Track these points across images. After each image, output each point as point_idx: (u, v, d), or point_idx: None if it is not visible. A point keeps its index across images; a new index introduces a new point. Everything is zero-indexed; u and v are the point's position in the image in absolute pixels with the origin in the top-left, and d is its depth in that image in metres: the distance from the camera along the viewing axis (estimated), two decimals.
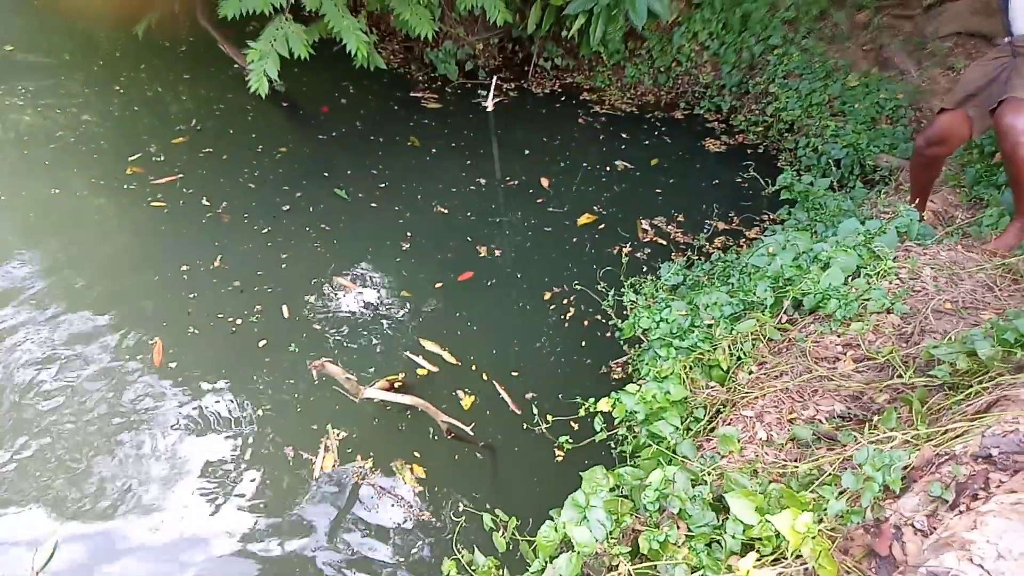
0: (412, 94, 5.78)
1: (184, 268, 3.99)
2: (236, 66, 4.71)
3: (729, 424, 2.26)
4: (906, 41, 5.44)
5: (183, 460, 3.04)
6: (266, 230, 4.33)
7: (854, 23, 5.62)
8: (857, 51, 5.43)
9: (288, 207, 4.54)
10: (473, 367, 3.54)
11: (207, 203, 4.45)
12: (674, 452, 1.95)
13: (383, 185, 4.81)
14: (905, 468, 1.49)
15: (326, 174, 4.88)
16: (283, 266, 4.08)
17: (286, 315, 3.73)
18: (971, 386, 1.79)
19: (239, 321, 3.67)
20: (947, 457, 1.49)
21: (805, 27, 5.56)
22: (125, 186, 4.53)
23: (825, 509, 1.40)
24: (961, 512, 1.28)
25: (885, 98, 4.97)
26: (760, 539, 1.43)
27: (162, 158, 4.80)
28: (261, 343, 3.57)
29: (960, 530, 1.19)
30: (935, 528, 1.33)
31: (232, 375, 3.41)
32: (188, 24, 5.98)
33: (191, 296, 3.81)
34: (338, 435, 3.21)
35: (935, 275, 2.65)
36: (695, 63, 5.59)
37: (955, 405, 1.72)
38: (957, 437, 1.55)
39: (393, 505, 2.93)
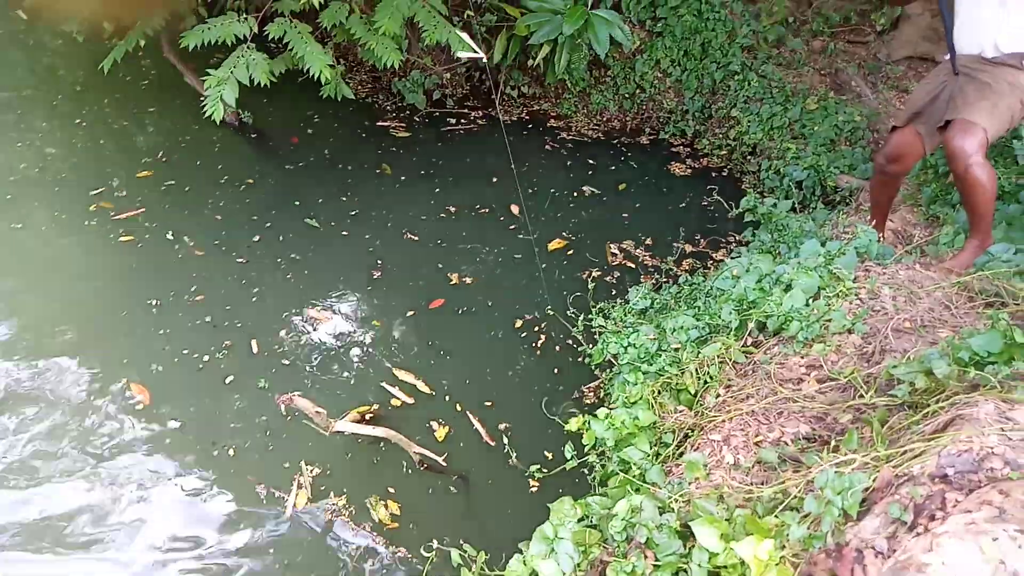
0: (380, 123, 5.81)
1: (152, 303, 3.93)
2: (202, 98, 4.69)
3: (697, 449, 2.27)
4: (861, 65, 5.61)
5: (153, 501, 2.97)
6: (236, 262, 4.29)
7: (811, 49, 5.79)
8: (814, 76, 5.58)
9: (258, 237, 4.51)
10: (447, 397, 3.52)
11: (171, 237, 4.41)
12: (643, 479, 1.96)
13: (353, 213, 4.80)
14: (866, 490, 1.51)
15: (296, 203, 4.86)
16: (253, 299, 4.04)
17: (255, 350, 3.69)
18: (928, 405, 1.83)
19: (206, 358, 3.62)
20: (906, 478, 1.52)
21: (763, 53, 5.70)
22: (87, 222, 4.47)
23: (787, 535, 1.41)
24: (919, 534, 1.30)
25: (843, 120, 5.11)
26: (726, 567, 1.44)
27: (124, 193, 4.75)
28: (229, 379, 3.52)
29: (917, 552, 1.21)
30: (895, 550, 1.34)
31: (200, 413, 3.36)
32: (154, 58, 5.95)
33: (160, 332, 3.76)
34: (311, 471, 3.17)
35: (894, 295, 2.71)
36: (658, 89, 5.70)
37: (914, 425, 1.76)
38: (916, 457, 1.57)
39: (368, 542, 2.88)
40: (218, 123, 4.64)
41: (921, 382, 1.97)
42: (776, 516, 1.52)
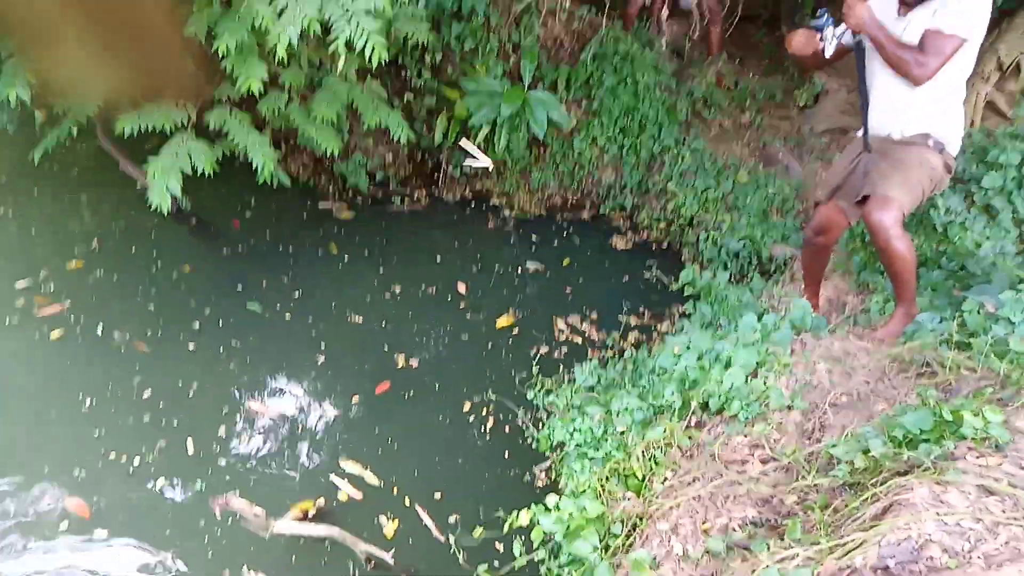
0: (323, 205, 5.79)
1: (85, 404, 3.73)
2: (139, 186, 4.60)
3: (646, 539, 2.23)
4: (786, 139, 5.89)
5: None
6: (173, 354, 4.13)
7: (738, 123, 6.06)
8: (744, 149, 5.83)
9: (197, 325, 4.38)
10: (395, 489, 3.41)
11: (100, 332, 4.23)
12: None
13: (296, 295, 4.73)
14: None
15: (239, 288, 4.76)
16: (191, 395, 3.87)
17: (191, 451, 3.52)
18: (868, 487, 1.83)
19: (136, 460, 3.43)
20: (849, 570, 1.50)
21: (696, 129, 5.95)
22: (9, 320, 4.27)
23: None
24: None
25: (773, 192, 5.32)
26: None
27: (52, 286, 4.57)
28: (160, 482, 3.34)
29: None
30: None
31: (133, 522, 3.15)
32: (87, 146, 5.86)
33: (95, 435, 3.56)
34: None
35: (830, 368, 2.77)
36: (597, 165, 5.85)
37: (854, 510, 1.76)
38: (857, 547, 1.56)
39: None
40: (166, 214, 4.54)
41: (860, 461, 1.99)
42: None
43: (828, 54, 3.03)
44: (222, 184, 5.70)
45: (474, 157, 3.74)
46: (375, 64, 3.90)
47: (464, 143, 3.84)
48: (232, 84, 4.44)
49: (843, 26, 2.93)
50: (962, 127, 3.10)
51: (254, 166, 4.70)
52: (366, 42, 3.79)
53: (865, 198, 2.99)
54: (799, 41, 3.01)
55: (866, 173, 3.08)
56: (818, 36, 2.95)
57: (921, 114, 2.98)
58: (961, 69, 2.90)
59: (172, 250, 5.12)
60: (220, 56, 4.14)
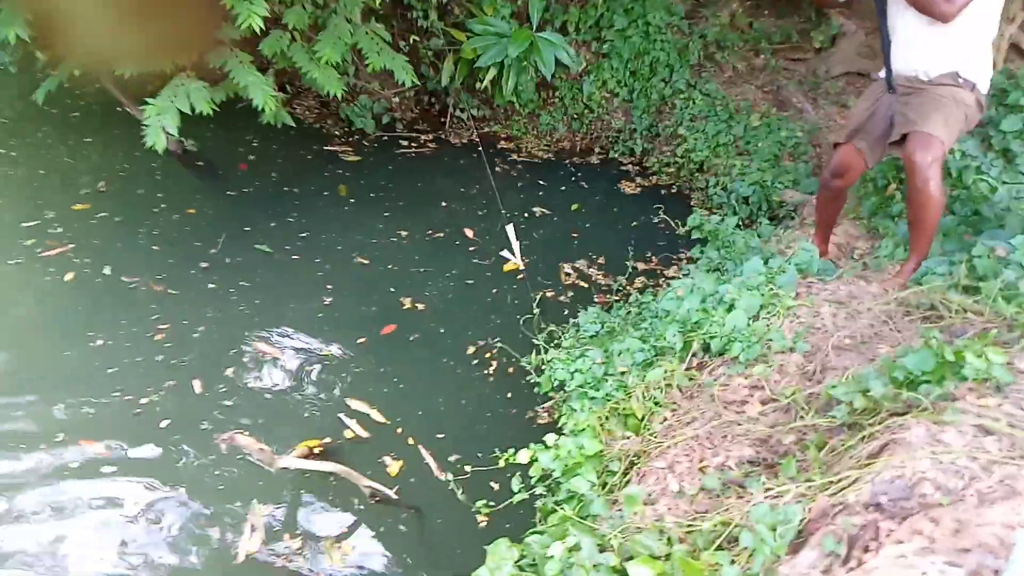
0: (329, 148, 5.74)
1: (96, 344, 3.77)
2: (142, 127, 4.57)
3: (643, 476, 2.25)
4: (801, 82, 5.73)
5: (96, 557, 2.82)
6: (182, 294, 4.15)
7: (752, 66, 5.90)
8: (757, 93, 5.69)
9: (206, 265, 4.39)
10: (399, 430, 3.45)
11: (109, 272, 4.25)
12: (583, 516, 1.92)
13: (304, 235, 4.73)
14: (802, 521, 1.49)
15: (246, 229, 4.76)
16: (199, 334, 3.90)
17: (198, 390, 3.56)
18: (865, 426, 1.83)
19: (144, 400, 3.47)
20: (842, 507, 1.51)
21: (708, 72, 5.80)
22: (13, 261, 4.28)
23: None
24: (852, 568, 1.29)
25: (786, 136, 5.20)
26: None
27: (59, 227, 4.58)
28: (167, 421, 3.39)
29: None
30: None
31: (141, 459, 3.22)
32: (92, 89, 5.79)
33: (109, 371, 3.60)
34: (264, 512, 3.05)
35: (835, 311, 2.74)
36: (606, 109, 5.75)
37: (851, 449, 1.76)
38: (851, 485, 1.57)
39: None
40: (161, 153, 4.52)
41: (859, 402, 1.98)
42: (712, 554, 1.49)
43: None
44: (229, 127, 5.66)
45: (511, 251, 3.63)
46: (378, 2, 3.80)
47: (510, 239, 3.64)
48: (234, 24, 4.35)
49: None
50: (991, 65, 2.98)
51: (256, 107, 4.65)
52: None
53: (903, 138, 2.89)
54: None
55: (892, 114, 2.98)
56: None
57: (949, 54, 2.85)
58: (991, 3, 2.78)
59: (179, 192, 5.11)
60: None
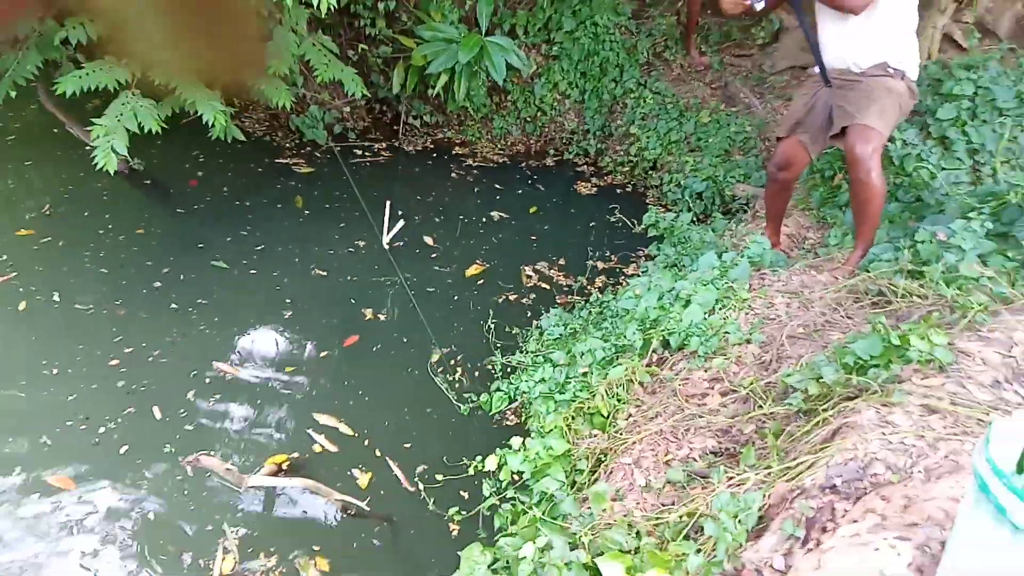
0: (280, 160, 5.67)
1: (52, 372, 3.66)
2: (87, 147, 4.45)
3: (611, 473, 2.28)
4: (747, 77, 5.87)
5: None
6: (138, 317, 4.06)
7: (699, 64, 6.01)
8: (705, 90, 5.80)
9: (159, 286, 4.30)
10: (366, 442, 3.42)
11: (58, 299, 4.13)
12: (553, 516, 1.94)
13: (259, 248, 4.67)
14: (762, 508, 1.54)
15: (200, 245, 4.68)
16: (157, 357, 3.82)
17: (158, 416, 3.48)
18: (819, 412, 1.89)
19: (101, 429, 3.39)
20: (799, 491, 1.56)
21: (657, 71, 5.89)
22: None
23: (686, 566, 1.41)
24: (811, 549, 1.33)
25: (735, 131, 5.32)
26: None
27: (2, 256, 4.43)
28: (129, 447, 3.31)
29: (807, 571, 1.23)
30: (791, 567, 1.37)
31: (106, 486, 3.13)
32: (32, 110, 5.63)
33: (68, 399, 3.50)
34: (236, 532, 3.00)
35: (788, 302, 2.81)
36: (559, 111, 5.80)
37: (806, 434, 1.81)
38: (808, 469, 1.62)
39: None
40: (113, 174, 4.41)
41: (813, 389, 2.04)
42: (679, 544, 1.53)
43: (759, 8, 3.00)
44: (176, 143, 5.55)
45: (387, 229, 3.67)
46: (323, 12, 3.78)
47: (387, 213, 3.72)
48: None
49: None
50: (917, 52, 3.10)
51: (206, 122, 4.57)
52: None
53: (843, 131, 2.99)
54: (727, 1, 2.99)
55: (831, 106, 3.08)
56: None
57: (875, 45, 2.97)
58: None
59: (127, 212, 4.99)
60: None
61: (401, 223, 3.97)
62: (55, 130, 5.37)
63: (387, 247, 3.99)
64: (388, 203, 3.58)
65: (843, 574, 1.18)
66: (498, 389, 3.28)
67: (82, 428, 3.39)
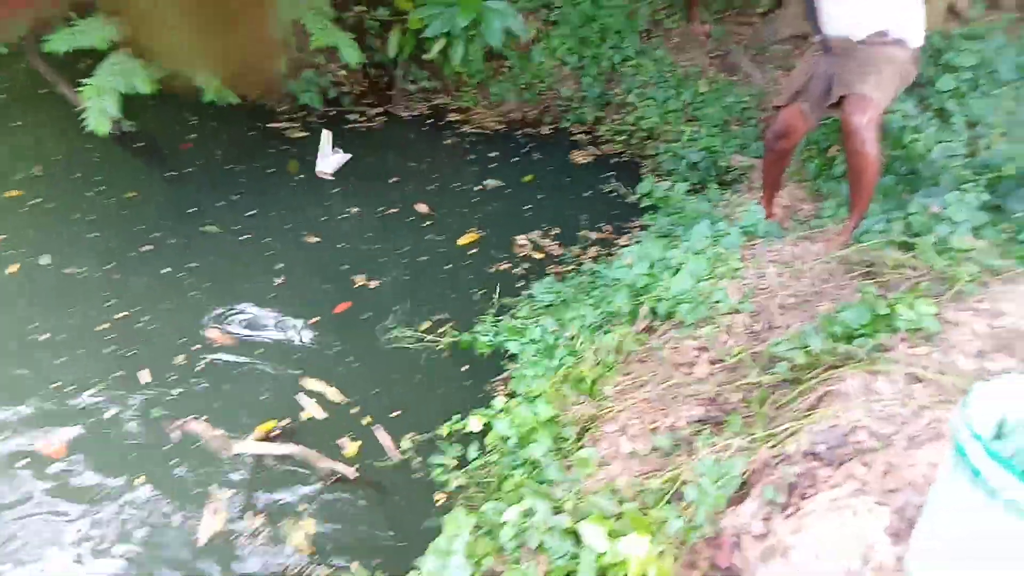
0: (274, 124, 5.60)
1: (40, 336, 3.65)
2: (76, 109, 4.38)
3: (597, 440, 2.29)
4: (748, 46, 5.78)
5: (53, 551, 2.76)
6: (128, 281, 4.04)
7: (701, 33, 5.91)
8: (704, 58, 5.72)
9: (150, 249, 4.27)
10: (354, 409, 3.43)
11: (48, 262, 4.10)
12: (538, 481, 1.95)
13: (251, 213, 4.63)
14: (744, 473, 1.54)
15: (191, 210, 4.64)
16: (147, 322, 3.81)
17: (148, 379, 3.48)
18: (805, 380, 1.89)
19: (88, 394, 3.39)
20: (782, 458, 1.56)
21: (656, 39, 5.80)
22: None
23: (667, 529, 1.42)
24: (791, 515, 1.34)
25: (733, 101, 5.26)
26: (613, 565, 1.44)
27: None
28: (116, 411, 3.31)
29: (785, 535, 1.24)
30: (771, 531, 1.38)
31: (93, 452, 3.15)
32: (21, 70, 5.54)
33: (55, 363, 3.50)
34: (224, 496, 3.02)
35: (779, 272, 2.81)
36: (556, 78, 5.72)
37: (791, 402, 1.81)
38: (791, 436, 1.62)
39: (285, 566, 2.78)
40: (106, 137, 4.34)
41: (801, 358, 2.04)
42: (660, 509, 1.53)
43: None
44: (168, 106, 5.47)
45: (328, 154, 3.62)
46: None
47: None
48: None
49: None
50: (922, 19, 3.04)
51: (198, 85, 4.49)
52: None
53: (841, 100, 2.95)
54: None
55: (831, 75, 3.04)
56: None
57: (872, 12, 2.92)
58: None
59: (119, 175, 4.94)
60: None
61: (347, 156, 3.93)
62: (40, 92, 5.29)
63: (321, 175, 3.98)
64: (327, 134, 3.56)
65: (821, 537, 1.18)
66: (484, 334, 3.28)
67: (70, 393, 3.39)
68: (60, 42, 4.38)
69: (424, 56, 5.55)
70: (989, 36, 4.13)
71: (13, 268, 4.04)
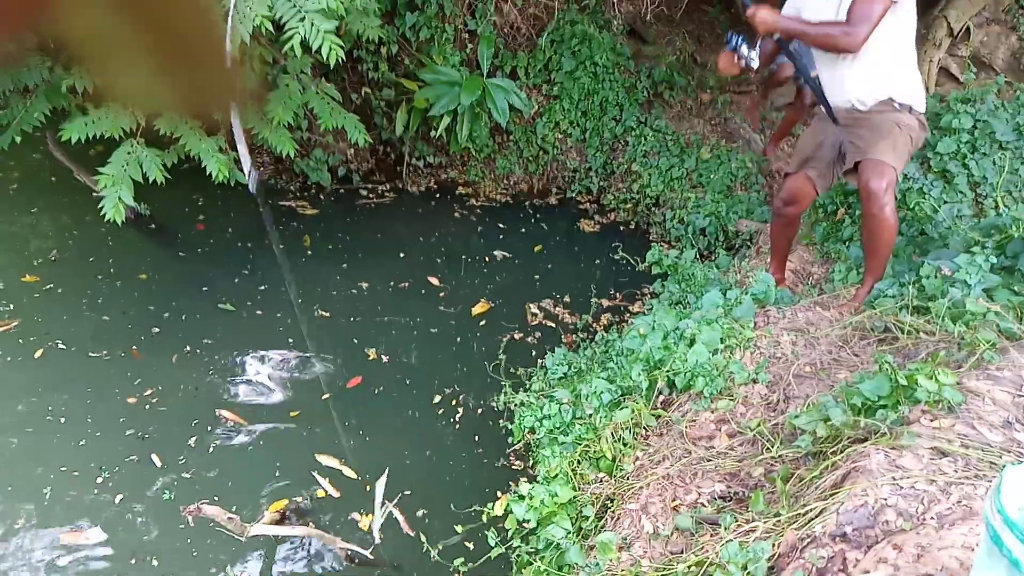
0: (285, 203, 5.72)
1: (60, 421, 3.65)
2: (92, 193, 4.49)
3: (617, 519, 2.24)
4: (746, 114, 5.92)
5: None
6: (141, 364, 4.05)
7: (700, 102, 6.08)
8: (705, 126, 5.85)
9: (159, 331, 4.30)
10: (367, 487, 3.38)
11: (63, 347, 4.13)
12: (559, 566, 1.89)
13: (263, 288, 4.67)
14: (772, 557, 1.50)
15: (204, 288, 4.70)
16: (160, 403, 3.80)
17: (159, 464, 3.45)
18: (828, 456, 1.85)
19: (99, 480, 3.36)
20: (809, 539, 1.52)
21: (656, 109, 5.96)
22: None
23: None
24: None
25: (736, 167, 5.35)
26: None
27: (10, 304, 4.44)
28: (129, 494, 3.28)
29: None
30: None
31: (110, 537, 3.10)
32: (36, 157, 5.71)
33: (70, 447, 3.48)
34: None
35: (794, 340, 2.79)
36: (561, 150, 5.86)
37: (815, 479, 1.77)
38: (817, 516, 1.58)
39: None
40: (120, 224, 4.44)
41: (821, 430, 2.01)
42: None
43: (755, 66, 3.01)
44: (181, 187, 5.60)
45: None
46: (332, 63, 3.85)
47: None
48: None
49: (757, 38, 2.93)
50: (921, 85, 3.10)
51: (207, 169, 4.62)
52: (322, 43, 3.74)
53: (855, 166, 2.98)
54: (724, 64, 3.03)
55: (840, 142, 3.08)
56: (735, 57, 2.95)
57: (875, 82, 2.97)
58: (903, 28, 2.88)
59: (132, 257, 5.02)
60: None
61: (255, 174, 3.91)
62: (54, 178, 5.45)
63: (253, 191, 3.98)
64: (245, 155, 3.56)
65: None
66: (497, 408, 3.26)
67: (78, 475, 3.36)
68: (75, 130, 4.53)
69: (431, 133, 5.72)
70: (983, 99, 4.22)
71: (39, 352, 4.07)
